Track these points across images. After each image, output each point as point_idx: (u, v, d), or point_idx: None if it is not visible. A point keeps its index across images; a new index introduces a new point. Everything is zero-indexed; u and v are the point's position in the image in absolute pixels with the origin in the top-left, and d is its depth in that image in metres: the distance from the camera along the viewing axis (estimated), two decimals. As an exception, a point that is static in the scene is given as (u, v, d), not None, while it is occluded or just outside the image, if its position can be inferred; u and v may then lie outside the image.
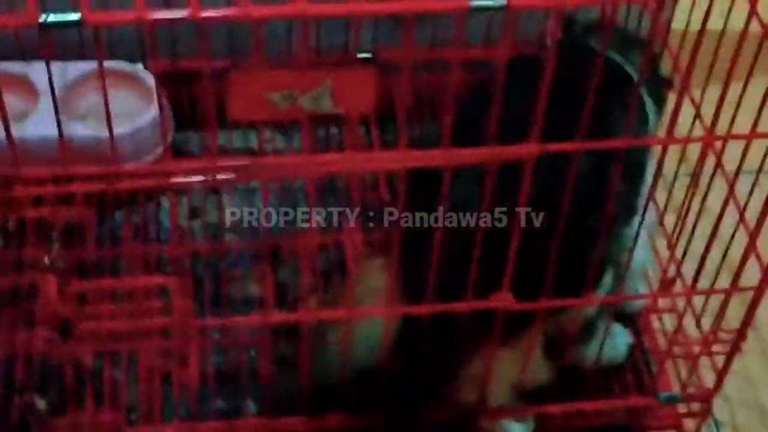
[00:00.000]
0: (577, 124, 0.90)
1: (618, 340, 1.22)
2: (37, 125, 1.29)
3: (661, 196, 1.23)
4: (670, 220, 1.24)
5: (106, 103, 0.84)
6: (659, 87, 1.21)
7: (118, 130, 1.32)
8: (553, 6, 0.77)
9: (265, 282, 1.25)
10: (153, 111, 1.34)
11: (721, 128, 1.00)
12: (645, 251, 1.20)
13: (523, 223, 0.94)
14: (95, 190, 0.84)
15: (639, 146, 1.10)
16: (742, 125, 1.02)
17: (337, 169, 0.84)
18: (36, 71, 1.35)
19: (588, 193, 0.98)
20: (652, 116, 1.16)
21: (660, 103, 1.20)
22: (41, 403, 1.13)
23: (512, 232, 0.93)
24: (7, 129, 0.82)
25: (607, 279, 1.08)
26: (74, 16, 0.73)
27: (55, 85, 1.36)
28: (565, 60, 0.88)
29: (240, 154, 1.41)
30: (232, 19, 0.75)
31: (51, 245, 1.15)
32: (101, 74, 0.81)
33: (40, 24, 0.73)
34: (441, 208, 0.93)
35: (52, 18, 0.73)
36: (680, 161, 1.21)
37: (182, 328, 0.96)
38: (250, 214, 1.35)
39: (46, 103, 1.34)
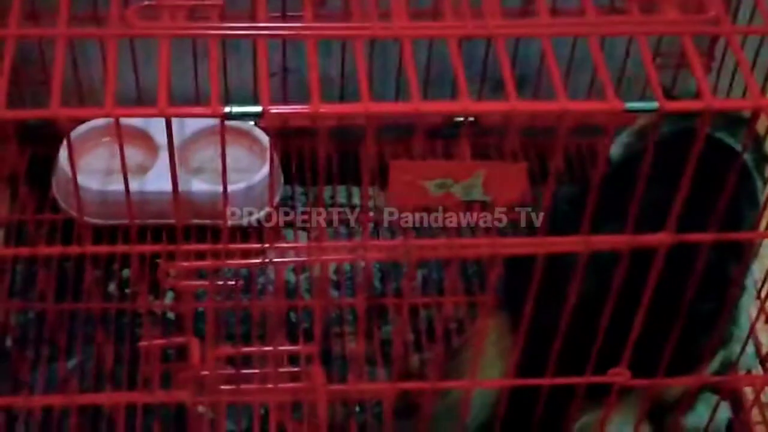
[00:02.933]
0: (700, 213, 0.93)
1: (718, 414, 1.25)
2: (157, 179, 1.34)
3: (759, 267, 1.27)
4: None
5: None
6: (763, 163, 1.25)
7: (231, 187, 1.38)
8: (702, 109, 0.81)
9: (373, 340, 1.29)
10: (265, 169, 1.38)
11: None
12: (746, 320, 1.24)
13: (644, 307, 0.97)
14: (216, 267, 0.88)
15: (753, 209, 1.14)
16: None
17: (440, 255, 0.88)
18: (156, 126, 1.40)
19: (705, 278, 1.01)
20: (761, 196, 1.20)
21: (763, 175, 1.23)
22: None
23: (634, 314, 0.97)
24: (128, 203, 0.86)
25: (718, 357, 1.11)
26: (256, 109, 0.77)
27: (173, 140, 1.44)
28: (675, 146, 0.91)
29: (343, 208, 1.45)
30: (346, 113, 0.79)
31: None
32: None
33: (225, 114, 0.78)
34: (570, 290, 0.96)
35: (235, 110, 0.78)
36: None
37: (313, 393, 1.00)
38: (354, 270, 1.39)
39: (165, 157, 1.39)
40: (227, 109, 0.77)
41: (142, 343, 0.96)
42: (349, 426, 1.24)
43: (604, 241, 0.92)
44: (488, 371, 1.12)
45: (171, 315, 1.33)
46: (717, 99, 0.81)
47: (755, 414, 1.28)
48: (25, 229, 1.40)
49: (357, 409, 1.27)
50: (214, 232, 1.35)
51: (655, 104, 0.81)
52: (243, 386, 0.99)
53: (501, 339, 1.13)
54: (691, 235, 0.91)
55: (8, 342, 1.31)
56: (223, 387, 0.98)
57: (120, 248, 0.90)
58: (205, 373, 0.95)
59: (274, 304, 1.27)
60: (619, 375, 1.03)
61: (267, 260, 0.89)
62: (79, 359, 1.28)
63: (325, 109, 0.78)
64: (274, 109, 0.78)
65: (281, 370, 0.99)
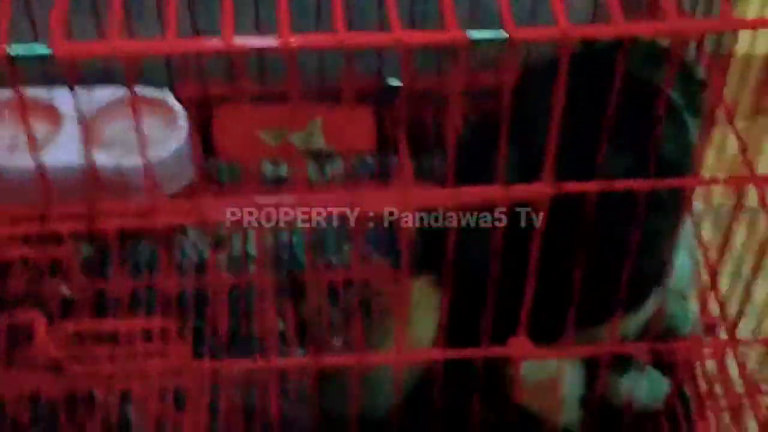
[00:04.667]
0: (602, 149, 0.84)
1: (654, 386, 1.15)
2: (59, 153, 1.27)
3: (707, 232, 1.18)
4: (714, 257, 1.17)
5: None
6: (695, 93, 1.13)
7: (140, 161, 1.30)
8: (558, 39, 0.71)
9: (286, 318, 1.21)
10: (180, 140, 1.30)
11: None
12: (688, 272, 1.14)
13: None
14: (76, 230, 0.80)
15: (679, 149, 1.04)
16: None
17: (342, 207, 0.79)
18: (60, 97, 1.32)
19: (621, 201, 0.88)
20: (692, 129, 1.09)
21: (697, 110, 1.12)
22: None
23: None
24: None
25: (650, 303, 1.02)
26: (44, 50, 0.69)
27: (83, 112, 1.37)
28: (587, 76, 0.84)
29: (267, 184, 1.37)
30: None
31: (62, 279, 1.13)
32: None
33: (9, 56, 0.69)
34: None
35: (21, 51, 0.69)
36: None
37: (178, 371, 0.92)
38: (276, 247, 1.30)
39: (68, 129, 1.32)
40: (11, 51, 0.69)
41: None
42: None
43: (479, 193, 0.83)
44: (420, 332, 1.05)
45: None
46: (573, 27, 0.71)
47: (703, 387, 1.18)
48: None
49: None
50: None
51: (503, 33, 0.71)
52: (103, 366, 0.91)
53: (427, 298, 1.05)
54: (573, 184, 0.82)
55: None
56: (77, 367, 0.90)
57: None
58: (51, 350, 0.87)
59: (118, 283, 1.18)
60: (518, 346, 0.95)
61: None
62: None
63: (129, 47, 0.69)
64: (67, 48, 0.69)
65: (142, 347, 0.92)
